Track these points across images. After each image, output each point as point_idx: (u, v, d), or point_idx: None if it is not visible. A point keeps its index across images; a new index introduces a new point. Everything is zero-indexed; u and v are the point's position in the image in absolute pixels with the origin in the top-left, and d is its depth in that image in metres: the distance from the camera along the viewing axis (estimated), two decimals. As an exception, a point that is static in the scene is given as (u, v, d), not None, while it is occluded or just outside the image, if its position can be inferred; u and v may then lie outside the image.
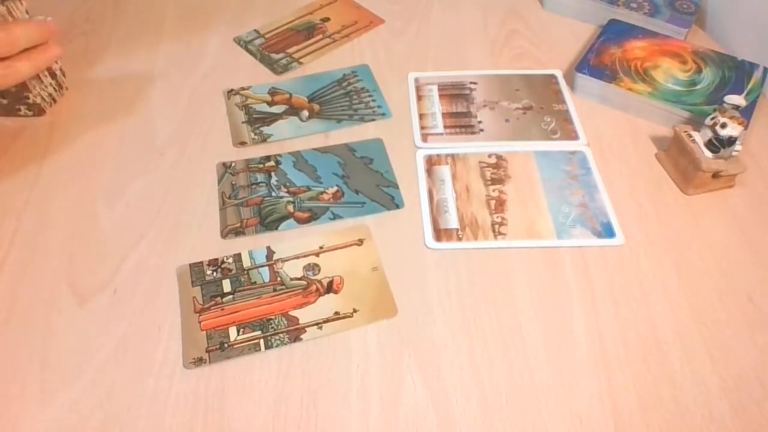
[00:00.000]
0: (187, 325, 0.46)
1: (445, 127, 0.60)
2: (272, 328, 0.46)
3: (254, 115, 0.61)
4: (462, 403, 0.42)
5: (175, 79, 0.64)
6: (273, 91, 0.63)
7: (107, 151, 0.57)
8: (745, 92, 0.60)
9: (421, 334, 0.46)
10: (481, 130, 0.60)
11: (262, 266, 0.49)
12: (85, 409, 0.42)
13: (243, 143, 0.58)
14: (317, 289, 0.48)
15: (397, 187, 0.55)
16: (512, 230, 0.52)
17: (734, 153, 0.53)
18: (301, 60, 0.66)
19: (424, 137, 0.59)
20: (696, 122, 0.57)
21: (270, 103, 0.62)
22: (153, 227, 0.52)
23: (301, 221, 0.52)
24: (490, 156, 0.57)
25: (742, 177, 0.55)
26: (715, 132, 0.52)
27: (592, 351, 0.45)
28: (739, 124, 0.52)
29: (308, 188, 0.55)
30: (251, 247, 0.50)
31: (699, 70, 0.62)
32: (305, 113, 0.61)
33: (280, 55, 0.67)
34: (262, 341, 0.45)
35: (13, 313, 0.46)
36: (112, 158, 0.56)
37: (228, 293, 0.48)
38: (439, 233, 0.52)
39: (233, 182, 0.55)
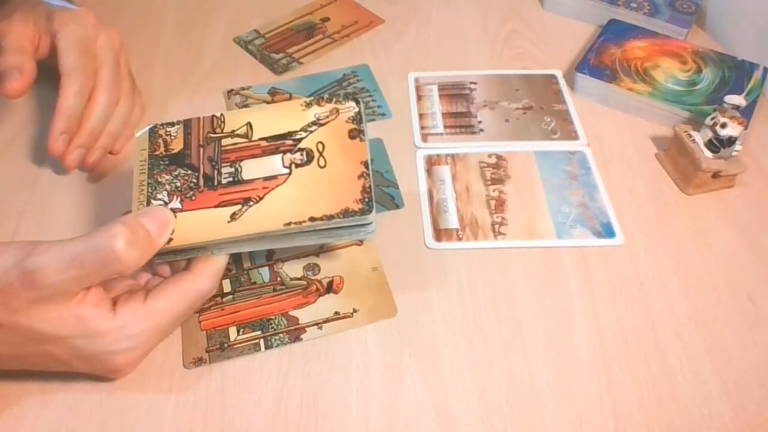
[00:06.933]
0: (187, 325, 0.46)
1: (445, 127, 0.60)
2: (272, 328, 0.46)
3: (254, 115, 0.61)
4: (462, 403, 0.42)
5: (175, 79, 0.64)
6: (273, 91, 0.63)
7: (107, 151, 0.57)
8: (745, 92, 0.60)
9: (421, 334, 0.46)
10: (481, 130, 0.60)
11: (262, 266, 0.49)
12: (85, 409, 0.42)
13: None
14: (317, 289, 0.48)
15: (397, 187, 0.55)
16: (512, 230, 0.52)
17: (734, 153, 0.53)
18: (301, 60, 0.66)
19: (424, 137, 0.59)
20: (696, 122, 0.57)
21: (270, 103, 0.62)
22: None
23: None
24: (490, 156, 0.57)
25: (742, 177, 0.55)
26: (715, 132, 0.52)
27: (592, 351, 0.45)
28: (739, 124, 0.52)
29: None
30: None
31: (699, 70, 0.62)
32: (305, 113, 0.61)
33: (280, 55, 0.67)
34: (262, 341, 0.45)
35: (13, 313, 0.46)
36: (112, 159, 0.56)
37: (228, 293, 0.48)
38: (439, 233, 0.52)
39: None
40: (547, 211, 0.53)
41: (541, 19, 0.72)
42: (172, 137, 0.46)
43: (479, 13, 0.73)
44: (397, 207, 0.54)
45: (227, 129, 0.46)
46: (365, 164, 0.43)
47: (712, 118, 0.53)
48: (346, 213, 0.41)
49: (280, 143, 0.45)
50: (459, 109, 0.62)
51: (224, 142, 0.45)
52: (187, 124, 0.47)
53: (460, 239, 0.51)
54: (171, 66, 0.65)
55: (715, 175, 0.54)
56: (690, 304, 0.48)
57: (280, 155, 0.44)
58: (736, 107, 0.53)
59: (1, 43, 0.51)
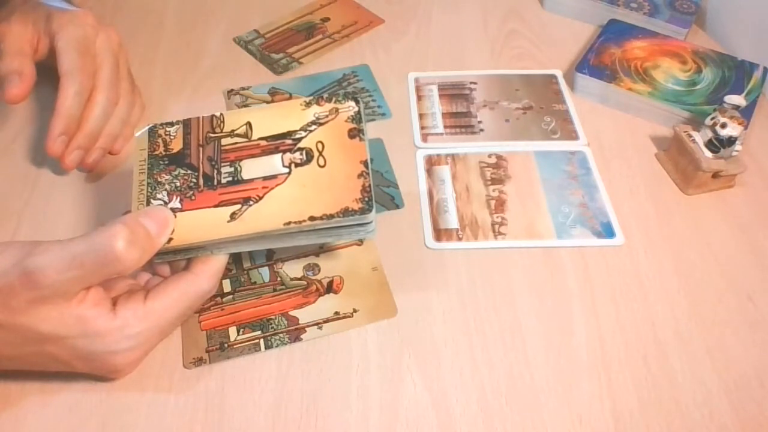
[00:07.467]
0: (187, 325, 0.46)
1: (445, 127, 0.60)
2: (272, 328, 0.46)
3: (254, 115, 0.61)
4: (462, 403, 0.42)
5: (175, 79, 0.64)
6: (273, 91, 0.63)
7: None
8: (745, 92, 0.60)
9: (421, 334, 0.46)
10: (481, 130, 0.60)
11: (262, 266, 0.49)
12: (85, 409, 0.42)
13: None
14: (317, 289, 0.48)
15: (397, 187, 0.55)
16: (512, 230, 0.52)
17: (734, 153, 0.53)
18: (301, 60, 0.66)
19: (424, 137, 0.59)
20: (696, 122, 0.57)
21: (270, 103, 0.62)
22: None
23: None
24: (490, 156, 0.57)
25: (742, 177, 0.55)
26: (715, 132, 0.52)
27: (592, 351, 0.45)
28: (739, 124, 0.52)
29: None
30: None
31: (699, 70, 0.62)
32: (305, 113, 0.61)
33: (280, 55, 0.67)
34: (262, 341, 0.45)
35: (13, 313, 0.46)
36: (111, 158, 0.56)
37: (228, 293, 0.48)
38: (439, 233, 0.52)
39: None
40: (547, 211, 0.53)
41: (541, 19, 0.72)
42: (172, 137, 0.46)
43: (479, 13, 0.73)
44: (397, 207, 0.54)
45: (227, 129, 0.46)
46: (365, 163, 0.43)
47: (712, 118, 0.53)
48: (345, 212, 0.41)
49: (279, 143, 0.45)
50: (459, 109, 0.62)
51: (224, 141, 0.45)
52: (186, 123, 0.47)
53: (460, 239, 0.51)
54: (171, 66, 0.65)
55: (715, 175, 0.54)
56: (690, 304, 0.48)
57: (280, 155, 0.44)
58: (736, 107, 0.53)
59: (1, 46, 0.51)
